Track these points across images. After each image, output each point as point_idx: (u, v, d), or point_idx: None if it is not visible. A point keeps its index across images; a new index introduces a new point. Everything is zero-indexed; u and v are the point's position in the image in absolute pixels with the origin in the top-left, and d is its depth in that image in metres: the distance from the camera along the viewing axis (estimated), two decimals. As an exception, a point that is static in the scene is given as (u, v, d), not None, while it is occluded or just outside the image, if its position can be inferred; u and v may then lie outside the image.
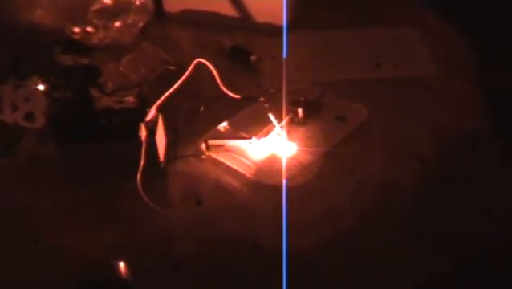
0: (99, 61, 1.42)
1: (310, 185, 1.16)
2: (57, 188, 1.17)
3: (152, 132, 1.16)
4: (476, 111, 1.33)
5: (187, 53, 1.51)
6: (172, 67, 1.43)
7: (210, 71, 1.32)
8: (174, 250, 1.07)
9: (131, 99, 1.22)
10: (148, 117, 1.17)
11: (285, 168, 1.15)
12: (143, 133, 1.14)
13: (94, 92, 1.24)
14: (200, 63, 1.30)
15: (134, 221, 1.11)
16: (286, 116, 1.23)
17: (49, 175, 1.19)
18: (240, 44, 1.54)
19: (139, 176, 1.12)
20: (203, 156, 1.23)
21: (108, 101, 1.22)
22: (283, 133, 1.21)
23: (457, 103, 1.35)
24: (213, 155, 1.22)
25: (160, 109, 1.21)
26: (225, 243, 1.06)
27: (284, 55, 1.16)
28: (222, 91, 1.33)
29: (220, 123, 1.29)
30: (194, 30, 1.65)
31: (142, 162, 1.13)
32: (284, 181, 1.11)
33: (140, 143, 1.14)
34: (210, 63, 1.31)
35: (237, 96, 1.34)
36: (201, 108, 1.34)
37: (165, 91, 1.23)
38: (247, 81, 1.44)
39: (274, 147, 1.22)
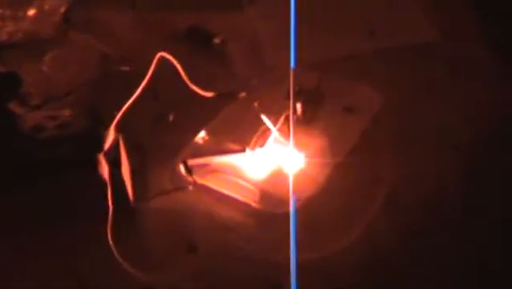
0: (13, 63, 1.18)
1: (332, 205, 0.96)
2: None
3: (115, 163, 0.90)
4: (496, 76, 1.18)
5: (128, 41, 1.29)
6: (125, 68, 1.14)
7: (170, 65, 1.10)
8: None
9: (66, 112, 1.04)
10: (107, 144, 0.89)
11: (294, 188, 0.92)
12: (104, 168, 0.87)
13: (15, 108, 1.06)
14: (163, 57, 1.08)
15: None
16: (285, 119, 1.01)
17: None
18: (196, 24, 1.30)
19: (109, 228, 0.84)
20: (187, 186, 0.98)
21: (37, 118, 1.03)
22: (285, 140, 0.98)
23: (475, 71, 1.19)
24: (199, 180, 0.99)
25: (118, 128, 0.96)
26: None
27: (292, 65, 0.94)
28: (190, 88, 1.10)
29: (196, 133, 1.06)
30: (131, 12, 1.38)
31: (111, 209, 0.84)
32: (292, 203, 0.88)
33: (102, 180, 0.87)
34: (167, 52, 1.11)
35: (210, 94, 1.11)
36: (171, 117, 1.07)
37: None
38: (216, 72, 1.21)
39: (275, 159, 0.99)
